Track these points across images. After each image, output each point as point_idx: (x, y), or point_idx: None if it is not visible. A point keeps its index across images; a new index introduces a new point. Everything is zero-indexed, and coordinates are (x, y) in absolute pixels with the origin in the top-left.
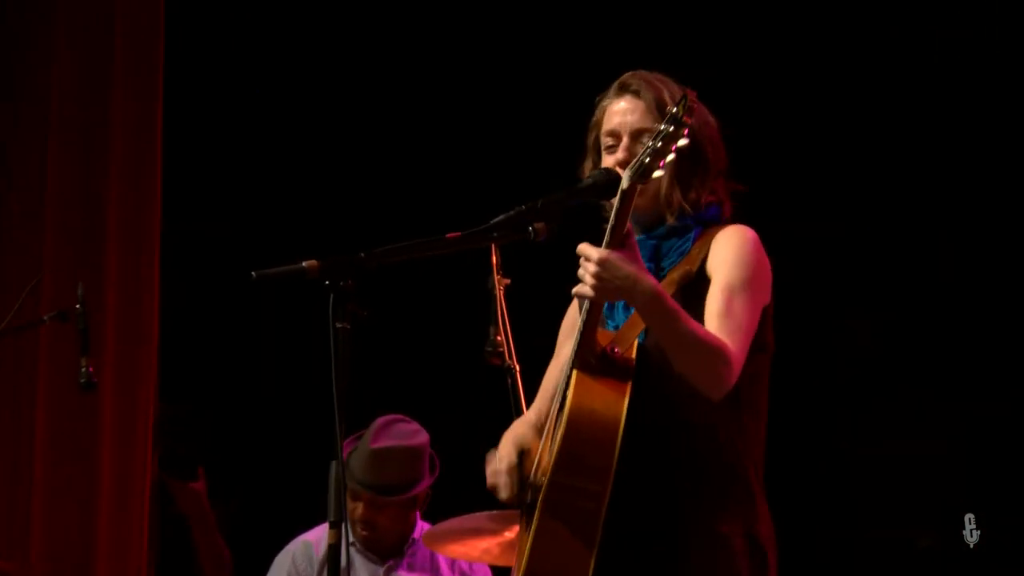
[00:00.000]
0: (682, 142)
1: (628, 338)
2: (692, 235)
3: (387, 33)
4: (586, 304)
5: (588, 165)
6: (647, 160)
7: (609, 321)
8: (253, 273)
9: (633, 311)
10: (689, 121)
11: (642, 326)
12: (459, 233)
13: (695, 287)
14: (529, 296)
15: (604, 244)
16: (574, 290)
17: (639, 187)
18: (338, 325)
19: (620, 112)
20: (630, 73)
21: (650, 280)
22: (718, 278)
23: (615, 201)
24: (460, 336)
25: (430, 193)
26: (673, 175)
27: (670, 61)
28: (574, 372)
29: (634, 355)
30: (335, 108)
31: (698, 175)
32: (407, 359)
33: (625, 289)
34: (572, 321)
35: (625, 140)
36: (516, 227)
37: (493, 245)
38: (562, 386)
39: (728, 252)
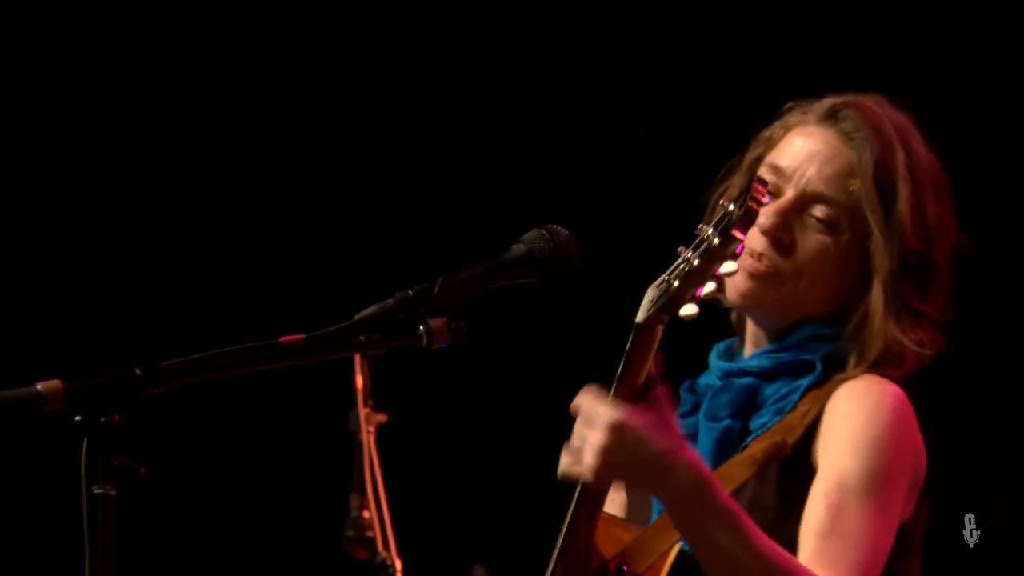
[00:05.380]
0: (708, 288)
1: (653, 550)
2: (803, 381)
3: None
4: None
5: (737, 183)
6: (675, 284)
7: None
8: None
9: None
10: (741, 237)
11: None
12: (302, 336)
13: (789, 475)
14: (425, 444)
15: (612, 393)
16: (562, 469)
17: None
18: (96, 490)
19: (806, 153)
20: (846, 98)
21: (692, 458)
22: (829, 466)
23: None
24: (303, 510)
25: (251, 265)
26: (892, 291)
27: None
28: None
29: None
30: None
31: (919, 293)
32: (216, 547)
33: (650, 472)
34: None
35: (789, 195)
36: (397, 326)
37: (358, 356)
38: None
39: (849, 423)
